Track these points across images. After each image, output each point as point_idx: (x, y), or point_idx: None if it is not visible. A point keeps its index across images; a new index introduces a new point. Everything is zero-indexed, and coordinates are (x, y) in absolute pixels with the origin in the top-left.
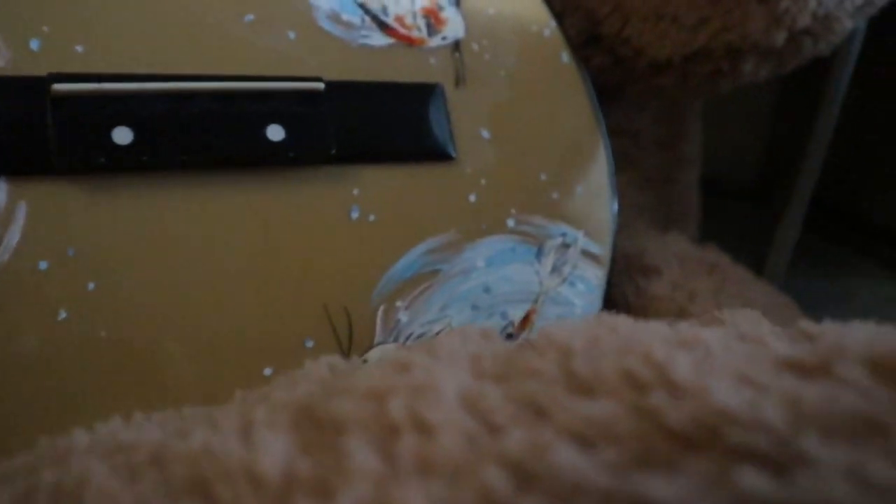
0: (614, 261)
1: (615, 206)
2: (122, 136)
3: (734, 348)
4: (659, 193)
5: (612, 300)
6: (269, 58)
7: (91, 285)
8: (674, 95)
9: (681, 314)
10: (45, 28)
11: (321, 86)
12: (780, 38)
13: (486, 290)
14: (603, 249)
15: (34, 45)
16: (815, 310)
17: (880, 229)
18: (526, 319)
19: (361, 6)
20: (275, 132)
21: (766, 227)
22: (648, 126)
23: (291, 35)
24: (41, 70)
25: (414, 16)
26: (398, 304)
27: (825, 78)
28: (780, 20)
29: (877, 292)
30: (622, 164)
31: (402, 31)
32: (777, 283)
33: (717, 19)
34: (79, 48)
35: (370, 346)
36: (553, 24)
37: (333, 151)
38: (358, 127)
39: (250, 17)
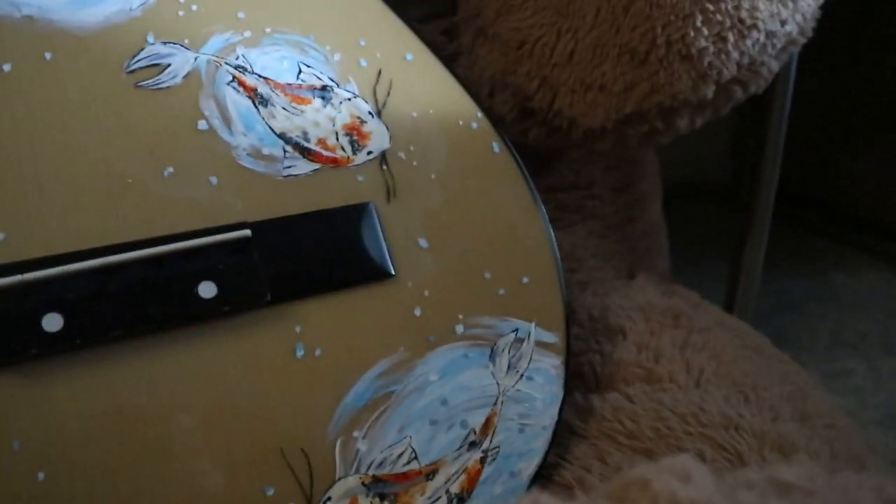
0: (579, 324)
1: (564, 288)
2: (53, 322)
3: None
4: (622, 237)
5: (579, 373)
6: (194, 210)
7: (41, 475)
8: (615, 155)
9: (648, 378)
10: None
11: (248, 233)
12: (708, 91)
13: (443, 402)
14: (558, 336)
15: None
16: (797, 308)
17: (866, 220)
18: (487, 424)
19: (281, 136)
20: (206, 289)
21: (739, 227)
22: (602, 175)
23: (213, 180)
24: None
25: (336, 135)
26: (355, 434)
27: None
28: (706, 75)
29: (858, 285)
30: (579, 217)
31: (326, 153)
32: (754, 284)
33: (645, 83)
34: (0, 235)
35: (332, 483)
36: (480, 114)
37: (268, 298)
38: (292, 263)
39: (170, 169)
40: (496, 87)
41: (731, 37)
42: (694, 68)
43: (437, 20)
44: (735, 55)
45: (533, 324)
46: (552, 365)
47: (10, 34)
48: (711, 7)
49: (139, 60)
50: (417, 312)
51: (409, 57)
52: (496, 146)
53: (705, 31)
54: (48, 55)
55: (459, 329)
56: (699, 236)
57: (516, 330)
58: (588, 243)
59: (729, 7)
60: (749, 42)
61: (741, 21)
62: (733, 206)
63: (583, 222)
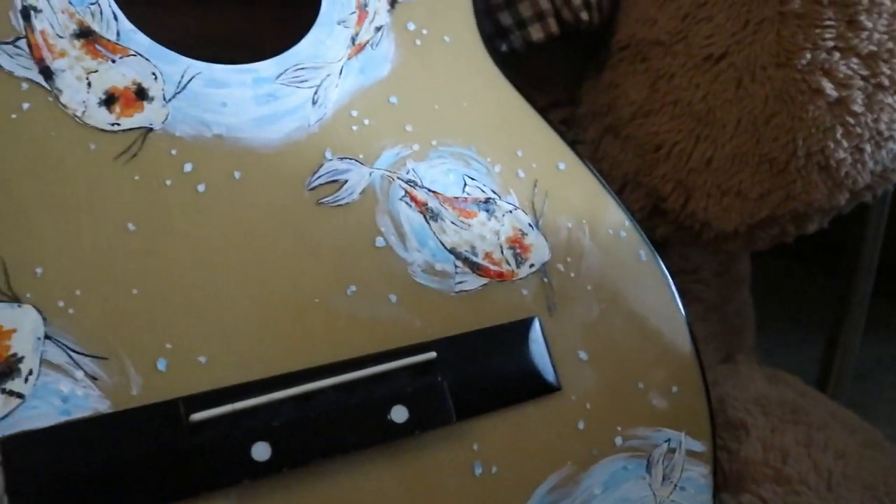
0: None
1: (707, 393)
2: (261, 452)
3: None
4: (720, 318)
5: None
6: (376, 330)
7: None
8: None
9: (778, 479)
10: (167, 345)
11: (433, 355)
12: (842, 199)
13: None
14: (705, 445)
15: (161, 364)
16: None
17: None
18: None
19: (452, 251)
20: (399, 413)
21: (830, 292)
22: (706, 259)
23: (393, 298)
24: (171, 390)
25: (501, 249)
26: None
27: None
28: (842, 184)
29: None
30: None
31: (493, 267)
32: (850, 360)
33: (781, 190)
34: (201, 359)
35: None
36: (627, 222)
37: (454, 419)
38: (468, 381)
39: (353, 288)
40: (628, 185)
41: (868, 148)
42: (831, 178)
43: (558, 109)
44: (871, 165)
45: (683, 433)
46: (701, 474)
47: (203, 154)
48: (852, 120)
49: (319, 177)
50: (581, 426)
51: (561, 166)
52: (643, 254)
53: (844, 143)
54: (237, 174)
55: (618, 441)
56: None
57: (668, 440)
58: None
59: (868, 120)
60: (884, 152)
61: (879, 133)
62: (820, 268)
63: (688, 307)
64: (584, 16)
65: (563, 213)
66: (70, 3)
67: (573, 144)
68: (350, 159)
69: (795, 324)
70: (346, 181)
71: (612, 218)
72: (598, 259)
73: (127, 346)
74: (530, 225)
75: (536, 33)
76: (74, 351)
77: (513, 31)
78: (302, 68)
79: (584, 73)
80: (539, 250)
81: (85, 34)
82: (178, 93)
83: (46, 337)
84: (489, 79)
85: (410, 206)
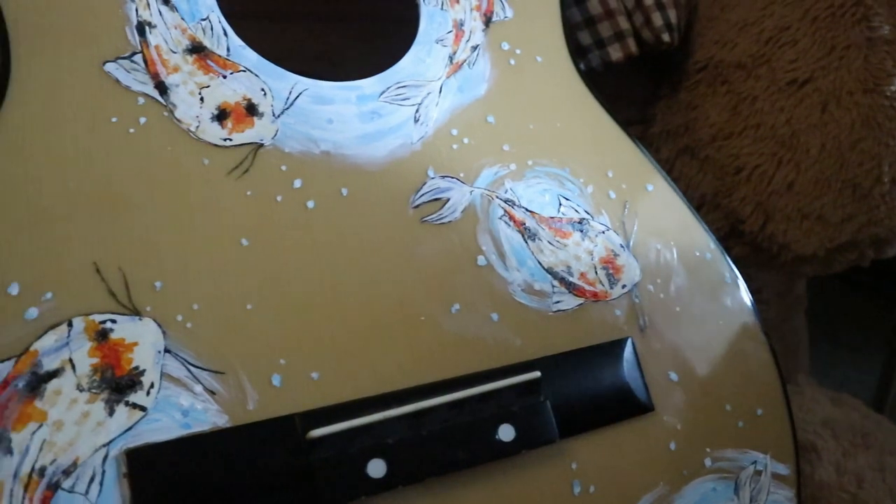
0: None
1: (790, 416)
2: (377, 468)
3: None
4: (779, 338)
5: None
6: (479, 348)
7: None
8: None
9: (854, 502)
10: (281, 361)
11: (538, 374)
12: None
13: None
14: (790, 468)
15: (276, 380)
16: None
17: None
18: None
19: (549, 271)
20: (506, 432)
21: (885, 315)
22: (770, 280)
23: (495, 317)
24: (286, 406)
25: (595, 269)
26: None
27: None
28: None
29: None
30: None
31: (588, 287)
32: None
33: (863, 215)
34: (314, 375)
35: None
36: (713, 245)
37: (558, 438)
38: (568, 400)
39: (456, 306)
40: (706, 205)
41: None
42: None
43: (630, 128)
44: None
45: (768, 456)
46: (787, 497)
47: (311, 170)
48: None
49: (423, 195)
50: (672, 446)
51: (649, 188)
52: (728, 276)
53: None
54: (344, 191)
55: (708, 462)
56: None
57: (755, 462)
58: None
59: None
60: None
61: None
62: (876, 290)
63: None
64: (666, 37)
65: (652, 234)
66: (182, 18)
67: None
68: (451, 178)
69: (846, 346)
70: (449, 199)
71: (699, 240)
72: (686, 281)
73: (243, 361)
74: (622, 245)
75: (615, 53)
76: (193, 365)
77: (591, 51)
78: (404, 86)
79: (657, 91)
80: (630, 271)
81: (197, 50)
82: (286, 109)
83: (166, 350)
84: (579, 98)
85: (509, 225)
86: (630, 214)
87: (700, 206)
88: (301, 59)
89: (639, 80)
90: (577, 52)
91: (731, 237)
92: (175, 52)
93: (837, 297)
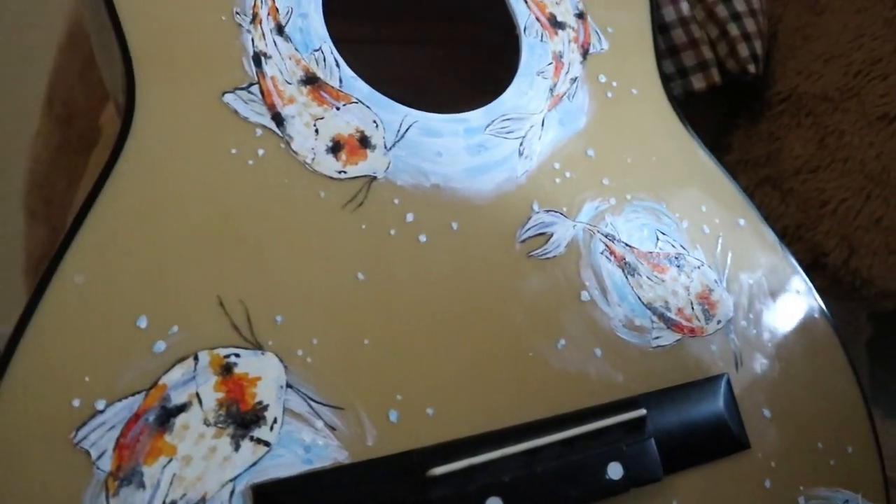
0: None
1: (880, 455)
2: None
3: None
4: None
5: None
6: (584, 384)
7: None
8: None
9: None
10: (398, 397)
11: (644, 412)
12: None
13: None
14: None
15: (393, 416)
16: None
17: None
18: None
19: (648, 306)
20: (615, 470)
21: None
22: (836, 309)
23: (598, 352)
24: (403, 442)
25: (691, 304)
26: None
27: None
28: None
29: None
30: None
31: (685, 323)
32: None
33: None
34: (429, 411)
35: None
36: (802, 280)
37: (662, 476)
38: (669, 437)
39: (562, 341)
40: (787, 237)
41: None
42: None
43: None
44: None
45: (859, 495)
46: None
47: (423, 204)
48: None
49: (529, 230)
50: (767, 484)
51: (741, 222)
52: (816, 312)
53: None
54: (454, 225)
55: (801, 501)
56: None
57: (847, 501)
58: None
59: None
60: None
61: None
62: None
63: None
64: (752, 68)
65: (745, 269)
66: (296, 49)
67: None
68: (555, 212)
69: None
70: (553, 234)
71: (788, 275)
72: (777, 317)
73: (361, 396)
74: (716, 281)
75: (698, 83)
76: (314, 400)
77: (674, 79)
78: (508, 119)
79: (733, 120)
80: (725, 306)
81: (311, 81)
82: (398, 141)
83: (288, 385)
84: (673, 131)
85: (610, 260)
86: (723, 249)
87: (782, 237)
88: (389, 85)
89: (713, 106)
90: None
91: (813, 269)
92: (290, 84)
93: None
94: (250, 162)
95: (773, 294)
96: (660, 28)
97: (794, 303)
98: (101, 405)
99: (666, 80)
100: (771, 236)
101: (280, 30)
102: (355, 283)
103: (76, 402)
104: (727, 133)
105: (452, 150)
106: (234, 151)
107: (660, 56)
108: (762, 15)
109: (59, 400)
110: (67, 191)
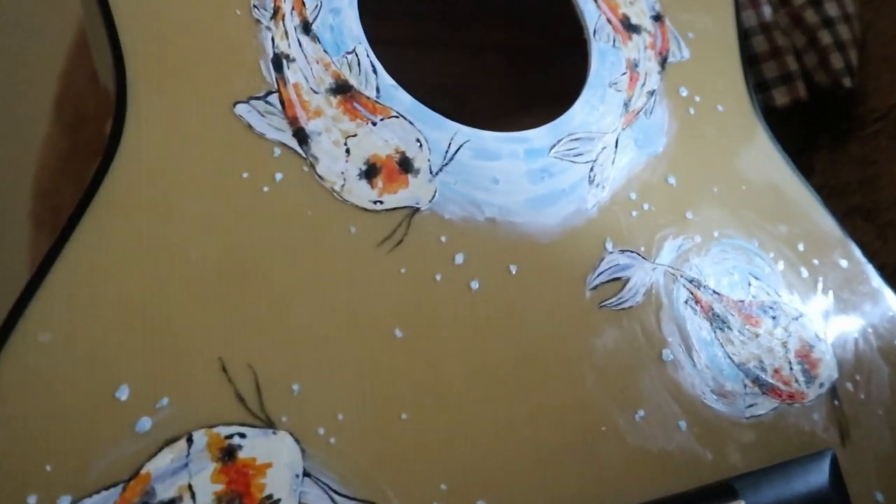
0: None
1: None
2: None
3: None
4: None
5: None
6: (667, 464)
7: None
8: None
9: None
10: (443, 486)
11: (742, 503)
12: None
13: None
14: None
15: None
16: None
17: None
18: None
19: (740, 367)
20: None
21: None
22: None
23: (682, 425)
24: None
25: (790, 364)
26: None
27: None
28: None
29: None
30: None
31: (784, 387)
32: None
33: None
34: (481, 503)
35: None
36: None
37: None
38: None
39: (641, 413)
40: (885, 279)
41: None
42: None
43: None
44: None
45: None
46: None
47: (475, 242)
48: None
49: (600, 274)
50: None
51: (843, 263)
52: None
53: None
54: (513, 268)
55: None
56: None
57: None
58: None
59: None
60: None
61: None
62: None
63: None
64: (848, 82)
65: (849, 320)
66: (325, 51)
67: None
68: (631, 252)
69: None
70: (629, 279)
71: None
72: (888, 377)
73: (397, 487)
74: (817, 336)
75: (781, 98)
76: (337, 493)
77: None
78: (576, 139)
79: (814, 139)
80: (828, 366)
81: (342, 89)
82: (446, 165)
83: (305, 474)
84: (765, 156)
85: (696, 311)
86: (824, 296)
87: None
88: (435, 96)
89: (791, 123)
90: None
91: None
92: (317, 93)
93: None
94: (265, 188)
95: (883, 349)
96: None
97: None
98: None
99: (754, 94)
100: (877, 280)
101: (307, 27)
102: (392, 341)
103: (32, 500)
104: (807, 153)
105: (511, 175)
106: (245, 175)
107: (745, 63)
108: (856, 21)
109: (9, 497)
110: (76, 200)
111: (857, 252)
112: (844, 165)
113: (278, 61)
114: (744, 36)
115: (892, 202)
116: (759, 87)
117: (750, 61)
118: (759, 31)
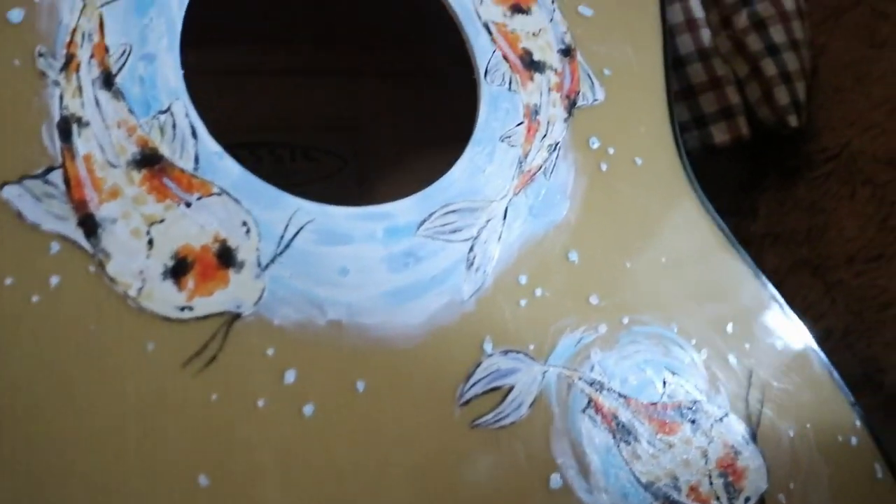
0: None
1: None
2: None
3: None
4: None
5: None
6: None
7: None
8: None
9: None
10: None
11: None
12: None
13: None
14: None
15: None
16: None
17: None
18: None
19: (648, 488)
20: None
21: None
22: None
23: None
24: None
25: (709, 478)
26: None
27: None
28: None
29: None
30: None
31: None
32: None
33: None
34: None
35: None
36: (859, 423)
37: None
38: None
39: None
40: (831, 342)
41: None
42: None
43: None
44: None
45: None
46: None
47: (312, 354)
48: None
49: (475, 385)
50: None
51: (779, 345)
52: (879, 469)
53: None
54: (360, 385)
55: None
56: None
57: None
58: None
59: None
60: None
61: None
62: None
63: None
64: (794, 121)
65: (784, 415)
66: (130, 110)
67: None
68: (517, 353)
69: None
70: (512, 387)
71: (842, 418)
72: (827, 480)
73: None
74: (744, 438)
75: (720, 135)
76: None
77: (689, 129)
78: (453, 210)
79: (760, 180)
80: (756, 475)
81: (149, 161)
82: (280, 254)
83: None
84: (691, 218)
85: (595, 420)
86: (756, 389)
87: (823, 342)
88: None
89: (734, 161)
90: None
91: (861, 387)
92: (115, 167)
93: None
94: (34, 298)
95: (822, 447)
96: (672, 63)
97: (851, 459)
98: None
99: (680, 139)
100: (820, 365)
101: (108, 80)
102: (195, 493)
103: None
104: (751, 194)
105: (365, 263)
106: (8, 282)
107: (671, 103)
108: (806, 48)
109: None
110: None
111: (804, 332)
112: (791, 211)
113: (66, 127)
114: (677, 64)
115: (844, 260)
116: (695, 122)
117: (685, 94)
118: (696, 58)
